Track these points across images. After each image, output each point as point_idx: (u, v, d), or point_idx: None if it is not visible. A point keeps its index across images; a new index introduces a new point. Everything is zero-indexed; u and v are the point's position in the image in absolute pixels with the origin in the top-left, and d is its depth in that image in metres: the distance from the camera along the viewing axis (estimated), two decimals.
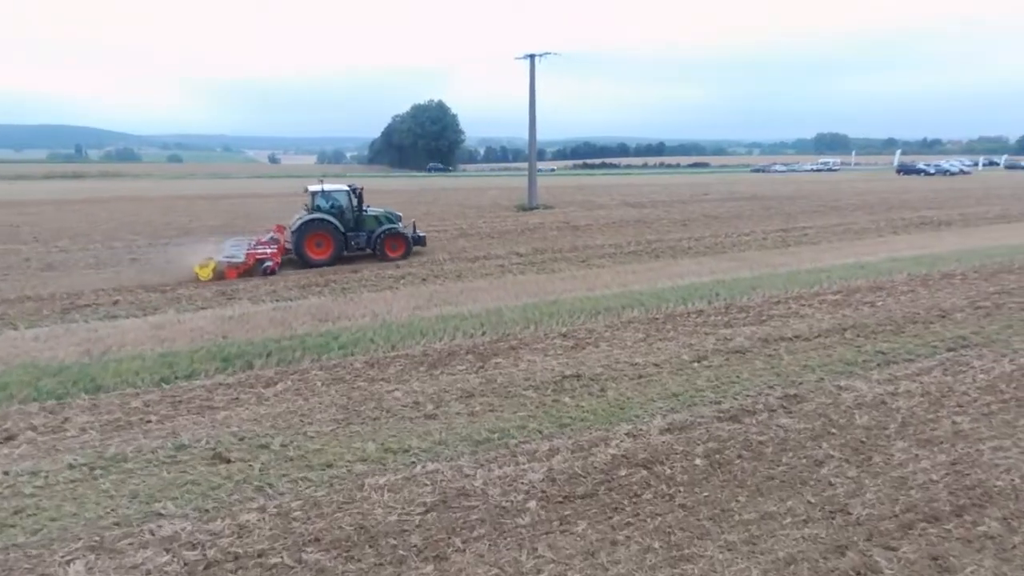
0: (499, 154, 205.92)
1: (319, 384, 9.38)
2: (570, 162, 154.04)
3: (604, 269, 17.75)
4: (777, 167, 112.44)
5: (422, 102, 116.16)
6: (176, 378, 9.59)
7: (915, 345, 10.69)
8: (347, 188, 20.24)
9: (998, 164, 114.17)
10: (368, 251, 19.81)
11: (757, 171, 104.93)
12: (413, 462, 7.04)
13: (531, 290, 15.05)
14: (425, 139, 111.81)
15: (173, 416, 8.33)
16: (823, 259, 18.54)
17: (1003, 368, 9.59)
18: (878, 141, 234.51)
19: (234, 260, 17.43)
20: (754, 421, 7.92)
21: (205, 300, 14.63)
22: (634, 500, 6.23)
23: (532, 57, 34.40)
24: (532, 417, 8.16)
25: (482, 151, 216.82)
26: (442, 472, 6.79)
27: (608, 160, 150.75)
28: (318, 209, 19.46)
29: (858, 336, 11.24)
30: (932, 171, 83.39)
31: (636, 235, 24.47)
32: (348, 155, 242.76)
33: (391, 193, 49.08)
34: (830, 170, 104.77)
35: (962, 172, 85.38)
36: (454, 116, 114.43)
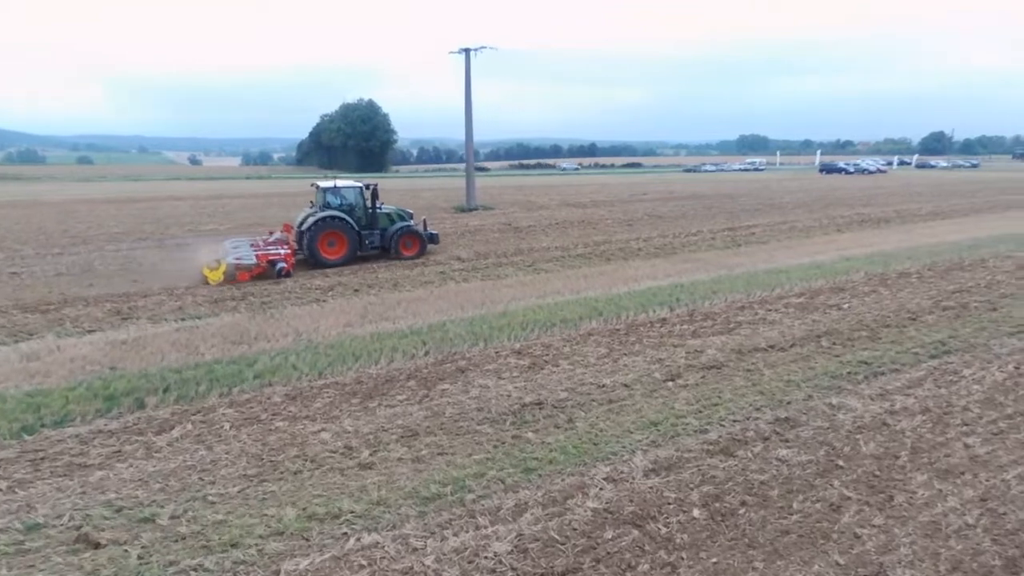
0: (432, 155, 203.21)
1: (227, 427, 7.72)
2: (505, 162, 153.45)
3: (553, 274, 16.58)
4: (707, 167, 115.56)
5: (351, 101, 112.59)
6: (42, 426, 7.70)
7: (896, 353, 9.98)
8: (359, 185, 19.45)
9: (909, 163, 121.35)
10: (380, 250, 19.18)
11: (689, 171, 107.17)
12: (345, 533, 5.56)
13: (477, 300, 13.68)
14: (355, 139, 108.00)
15: (31, 481, 6.51)
16: (777, 259, 18.03)
17: (994, 377, 8.95)
18: (796, 142, 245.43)
19: (245, 262, 16.27)
20: (749, 454, 6.85)
21: (94, 321, 12.49)
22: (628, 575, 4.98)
23: (467, 52, 33.03)
24: (491, 460, 6.81)
25: (415, 152, 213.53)
26: (382, 546, 5.35)
27: (543, 160, 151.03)
28: (328, 207, 18.56)
29: (835, 344, 10.46)
30: (852, 170, 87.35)
31: (582, 236, 23.49)
32: (275, 156, 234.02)
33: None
34: (756, 170, 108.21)
35: (879, 171, 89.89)
36: (385, 116, 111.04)
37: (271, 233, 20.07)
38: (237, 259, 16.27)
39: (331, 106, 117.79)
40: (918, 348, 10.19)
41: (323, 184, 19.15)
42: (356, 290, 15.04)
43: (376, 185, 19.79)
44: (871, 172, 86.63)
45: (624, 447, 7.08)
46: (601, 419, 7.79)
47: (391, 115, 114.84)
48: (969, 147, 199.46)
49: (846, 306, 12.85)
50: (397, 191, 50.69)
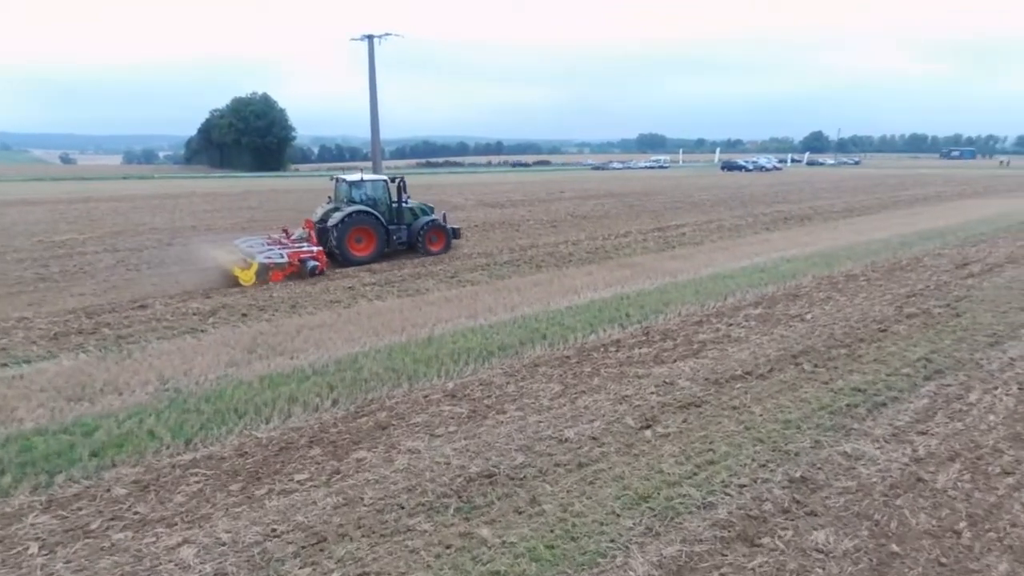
0: (335, 154, 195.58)
1: (35, 549, 5.24)
2: (413, 161, 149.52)
3: (481, 286, 14.62)
4: (614, 165, 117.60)
5: (244, 95, 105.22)
6: None
7: (887, 375, 8.78)
8: (384, 178, 19.11)
9: (800, 161, 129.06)
10: (407, 246, 18.71)
11: (597, 168, 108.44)
12: None
13: (394, 323, 11.50)
14: (249, 136, 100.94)
15: None
16: (716, 262, 16.96)
17: (1004, 403, 7.87)
18: (691, 141, 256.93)
19: (278, 261, 15.55)
20: (778, 543, 5.20)
21: None
22: None
23: (371, 39, 30.48)
24: None
25: (316, 150, 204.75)
26: None
27: (451, 159, 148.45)
28: (351, 201, 18.00)
29: (816, 367, 9.16)
30: (751, 167, 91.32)
31: (506, 240, 21.68)
32: (161, 154, 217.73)
33: (209, 196, 42.20)
34: (661, 167, 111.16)
35: (775, 168, 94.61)
36: (282, 111, 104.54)
37: (284, 231, 18.75)
38: (268, 258, 15.39)
39: (222, 101, 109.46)
40: (906, 368, 9.05)
41: (348, 177, 18.53)
42: (244, 314, 12.42)
43: (402, 179, 19.12)
44: (768, 169, 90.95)
45: (613, 541, 5.25)
46: (574, 494, 5.93)
47: (290, 111, 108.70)
48: (843, 146, 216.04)
49: (809, 317, 11.73)
50: (296, 191, 46.94)
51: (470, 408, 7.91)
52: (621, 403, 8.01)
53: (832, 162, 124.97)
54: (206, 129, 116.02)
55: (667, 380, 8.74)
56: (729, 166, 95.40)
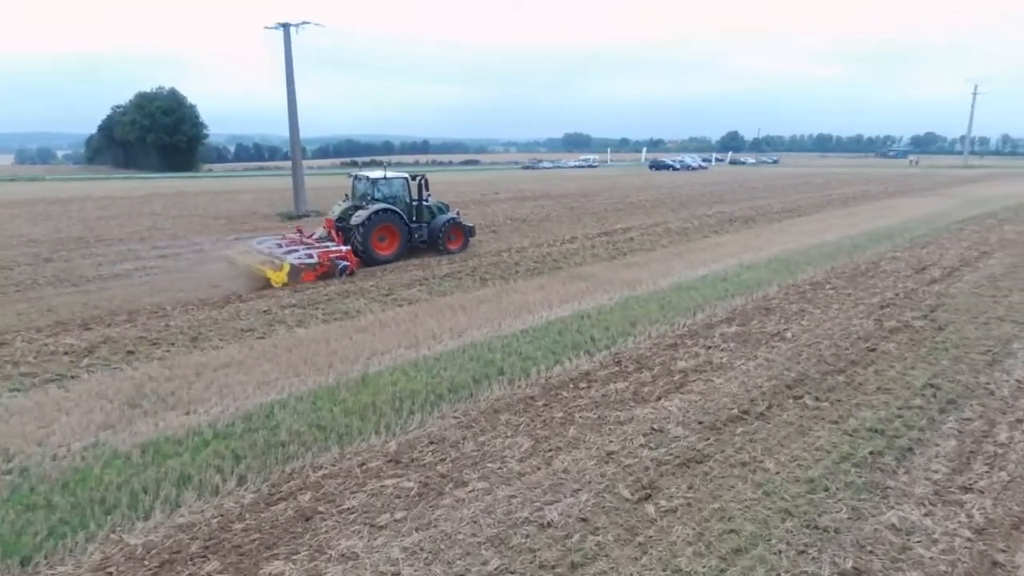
0: (254, 153, 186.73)
1: None
2: (336, 160, 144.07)
3: (420, 306, 12.88)
4: (545, 164, 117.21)
5: (149, 90, 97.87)
6: None
7: (897, 409, 7.71)
8: (405, 176, 19.05)
9: (723, 160, 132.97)
10: (428, 245, 18.67)
11: (528, 168, 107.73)
12: None
13: (320, 358, 9.63)
14: (156, 134, 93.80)
15: None
16: (674, 270, 15.87)
17: None
18: (615, 140, 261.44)
19: (309, 261, 15.28)
20: None
21: None
22: None
23: (287, 27, 27.96)
24: None
25: (233, 149, 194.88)
26: None
27: (376, 158, 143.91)
28: (372, 199, 17.77)
29: (819, 401, 8.01)
30: (678, 166, 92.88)
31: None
32: (60, 154, 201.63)
33: (107, 200, 38.14)
34: (591, 166, 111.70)
35: (701, 167, 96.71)
36: (192, 107, 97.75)
37: (299, 230, 18.56)
38: (299, 259, 15.09)
39: (126, 96, 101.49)
40: (915, 398, 8.03)
41: (372, 174, 18.37)
42: (130, 351, 10.19)
43: (424, 177, 18.95)
44: (694, 168, 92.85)
45: None
46: None
47: (203, 108, 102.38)
48: (757, 145, 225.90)
49: (789, 335, 10.67)
50: (207, 194, 43.39)
51: (420, 481, 6.23)
52: (607, 462, 6.54)
53: (753, 161, 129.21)
54: (108, 127, 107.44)
55: (655, 426, 7.35)
56: (657, 165, 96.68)
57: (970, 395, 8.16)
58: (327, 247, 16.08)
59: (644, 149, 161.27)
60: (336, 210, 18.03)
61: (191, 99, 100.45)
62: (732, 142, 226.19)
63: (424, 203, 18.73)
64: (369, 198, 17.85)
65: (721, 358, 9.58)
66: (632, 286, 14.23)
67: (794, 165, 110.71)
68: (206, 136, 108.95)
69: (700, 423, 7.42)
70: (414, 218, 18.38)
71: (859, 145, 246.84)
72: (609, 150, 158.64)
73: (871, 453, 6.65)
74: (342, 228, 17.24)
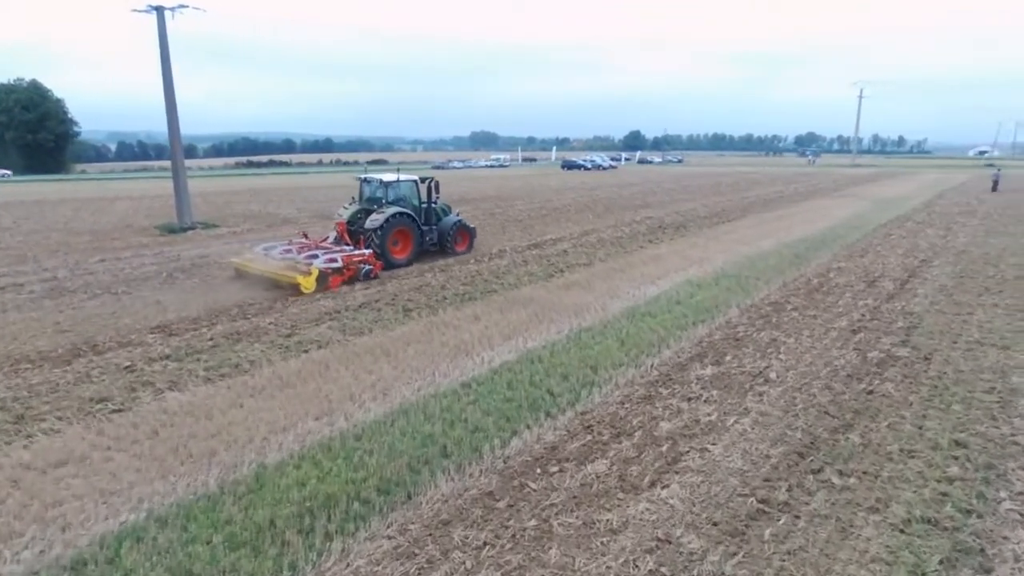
0: (137, 151, 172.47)
1: None
2: (231, 160, 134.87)
3: (331, 350, 10.58)
4: (454, 164, 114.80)
5: (4, 82, 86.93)
6: None
7: (937, 483, 6.37)
8: (415, 179, 19.07)
9: (632, 160, 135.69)
10: (438, 247, 19.02)
11: (437, 168, 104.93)
12: None
13: (196, 443, 7.23)
14: (15, 131, 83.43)
15: None
16: (620, 291, 14.35)
17: None
18: (522, 138, 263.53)
19: (334, 266, 15.07)
20: None
21: None
22: None
23: (160, 11, 24.38)
24: None
25: (114, 148, 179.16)
26: None
27: (276, 157, 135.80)
28: (381, 202, 17.97)
29: (844, 476, 6.55)
30: (589, 166, 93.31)
31: None
32: None
33: None
34: (502, 166, 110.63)
35: (611, 167, 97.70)
36: (58, 102, 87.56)
37: (304, 235, 18.19)
38: (326, 264, 14.98)
39: None
40: (949, 463, 6.73)
41: (385, 177, 18.42)
42: None
43: (434, 179, 19.04)
44: (605, 168, 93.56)
45: None
46: None
47: (77, 102, 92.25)
48: (657, 144, 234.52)
49: (773, 375, 9.29)
50: (75, 201, 38.09)
51: None
52: None
53: (659, 160, 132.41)
54: None
55: (660, 533, 5.60)
56: (569, 165, 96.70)
57: (1003, 453, 6.97)
58: (349, 251, 15.92)
59: (554, 148, 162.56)
60: (344, 213, 17.95)
61: (58, 92, 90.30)
62: (635, 141, 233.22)
63: (433, 205, 18.88)
64: (383, 201, 17.91)
65: (708, 414, 8.00)
66: (579, 313, 12.54)
67: (698, 164, 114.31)
68: (77, 134, 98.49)
69: (715, 524, 5.74)
70: (424, 221, 18.42)
71: (750, 144, 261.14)
72: (520, 149, 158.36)
73: (942, 563, 5.20)
74: (353, 232, 17.23)
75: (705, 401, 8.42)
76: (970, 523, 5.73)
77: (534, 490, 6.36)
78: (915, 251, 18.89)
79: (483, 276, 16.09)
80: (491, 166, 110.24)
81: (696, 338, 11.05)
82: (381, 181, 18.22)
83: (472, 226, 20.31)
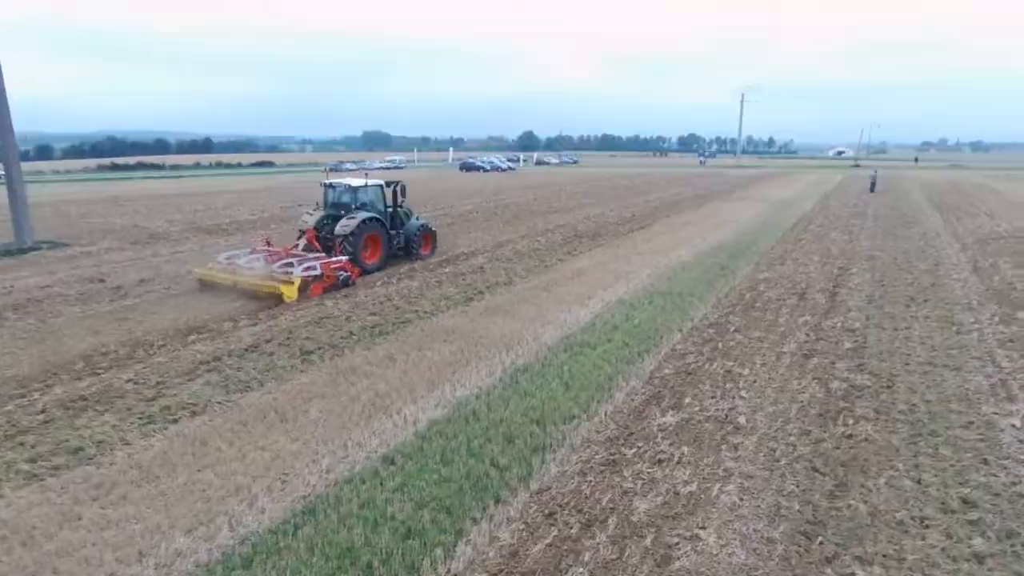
0: None
1: None
2: (93, 162, 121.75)
3: (209, 416, 8.44)
4: (348, 165, 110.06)
5: None
6: None
7: (966, 562, 5.43)
8: (381, 183, 18.93)
9: (529, 161, 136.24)
10: (404, 252, 19.03)
11: (332, 169, 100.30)
12: None
13: None
14: None
15: None
16: (551, 315, 12.98)
17: None
18: (416, 139, 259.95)
19: (314, 273, 14.86)
20: None
21: None
22: None
23: None
24: None
25: None
26: None
27: (146, 159, 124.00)
28: (348, 207, 17.89)
29: (861, 561, 5.47)
30: (488, 168, 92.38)
31: (243, 297, 15.08)
32: None
33: None
34: (398, 167, 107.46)
35: (510, 168, 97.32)
36: None
37: (267, 242, 17.74)
38: (305, 272, 14.65)
39: None
40: (973, 537, 5.79)
41: (353, 182, 18.28)
42: None
43: (400, 183, 19.27)
44: (503, 169, 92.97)
45: None
46: None
47: None
48: (550, 144, 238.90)
49: (742, 420, 8.19)
50: None
51: None
52: None
53: (556, 161, 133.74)
54: None
55: None
56: (467, 166, 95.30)
57: (1016, 512, 6.17)
58: (325, 259, 15.65)
59: (451, 149, 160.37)
60: (310, 220, 17.82)
61: None
62: (529, 141, 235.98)
63: (400, 209, 19.07)
64: (351, 206, 17.81)
65: (687, 482, 6.73)
66: (510, 346, 11.04)
67: (593, 165, 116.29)
68: None
69: None
70: (391, 226, 18.51)
71: (637, 144, 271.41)
72: (416, 150, 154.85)
73: None
74: (320, 238, 17.22)
75: (679, 463, 7.16)
76: None
77: None
78: (829, 258, 18.95)
79: (393, 302, 14.21)
80: (387, 167, 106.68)
81: (646, 373, 9.86)
82: (348, 186, 18.13)
83: (433, 229, 20.41)
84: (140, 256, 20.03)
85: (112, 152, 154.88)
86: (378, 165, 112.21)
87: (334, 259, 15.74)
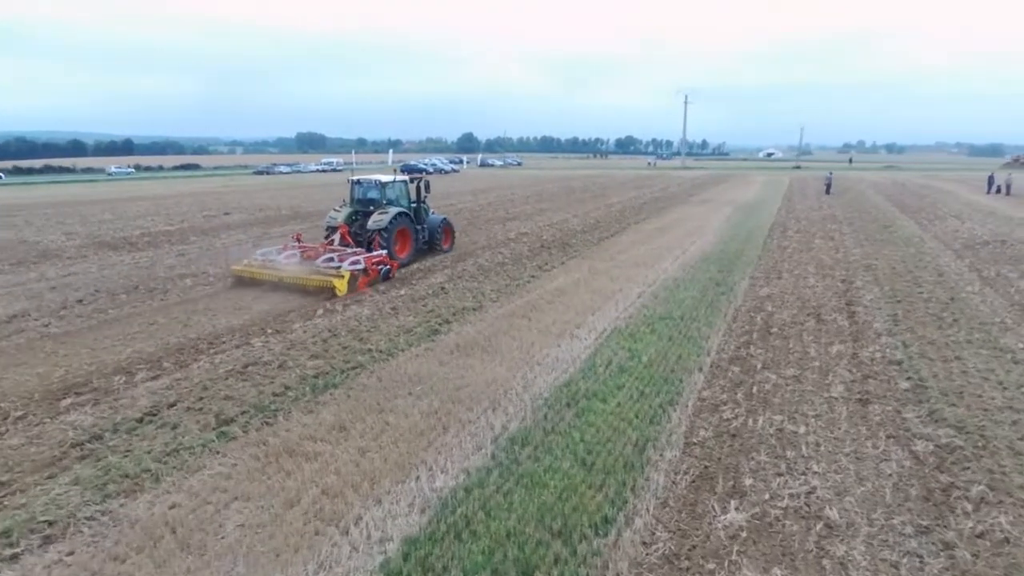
0: None
1: None
2: None
3: (83, 563, 5.78)
4: (281, 168, 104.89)
5: None
6: None
7: None
8: (405, 179, 19.60)
9: (472, 162, 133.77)
10: (428, 246, 19.80)
11: (261, 173, 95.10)
12: None
13: None
14: None
15: None
16: (536, 352, 10.64)
17: None
18: (352, 140, 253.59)
19: (359, 267, 15.43)
20: None
21: None
22: None
23: None
24: None
25: None
26: None
27: (55, 162, 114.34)
28: (375, 203, 18.29)
29: None
30: (431, 169, 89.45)
31: (145, 333, 12.12)
32: None
33: None
34: (335, 170, 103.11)
35: (453, 170, 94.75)
36: None
37: (297, 238, 18.11)
38: (352, 266, 15.22)
39: None
40: None
41: (383, 178, 18.91)
42: None
43: (425, 179, 19.84)
44: (447, 172, 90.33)
45: None
46: None
47: None
48: (490, 146, 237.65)
49: (834, 514, 6.11)
50: None
51: None
52: None
53: (501, 163, 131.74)
54: None
55: None
56: (409, 169, 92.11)
57: None
58: (365, 254, 16.09)
59: (391, 151, 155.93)
60: (338, 216, 18.07)
61: None
62: (468, 143, 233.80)
63: (422, 204, 19.62)
64: (381, 202, 18.21)
65: None
66: (497, 402, 8.66)
67: (537, 167, 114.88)
68: None
69: None
70: (416, 220, 19.04)
71: (576, 146, 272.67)
72: (354, 152, 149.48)
73: None
74: (354, 233, 17.69)
75: None
76: None
77: None
78: (825, 269, 17.37)
79: (339, 338, 11.56)
80: (323, 170, 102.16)
81: (680, 438, 7.67)
82: (377, 182, 18.66)
83: (452, 223, 21.36)
84: (20, 281, 16.54)
85: (20, 154, 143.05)
86: (313, 168, 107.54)
87: (375, 254, 16.22)
